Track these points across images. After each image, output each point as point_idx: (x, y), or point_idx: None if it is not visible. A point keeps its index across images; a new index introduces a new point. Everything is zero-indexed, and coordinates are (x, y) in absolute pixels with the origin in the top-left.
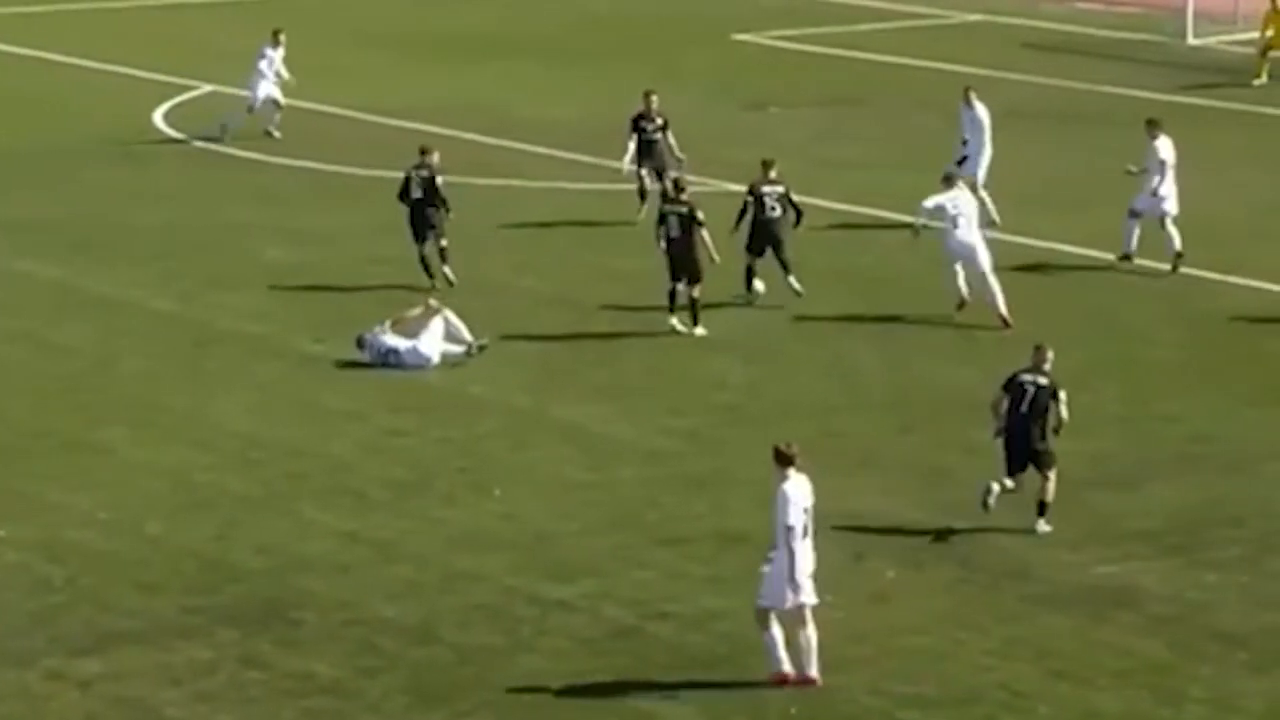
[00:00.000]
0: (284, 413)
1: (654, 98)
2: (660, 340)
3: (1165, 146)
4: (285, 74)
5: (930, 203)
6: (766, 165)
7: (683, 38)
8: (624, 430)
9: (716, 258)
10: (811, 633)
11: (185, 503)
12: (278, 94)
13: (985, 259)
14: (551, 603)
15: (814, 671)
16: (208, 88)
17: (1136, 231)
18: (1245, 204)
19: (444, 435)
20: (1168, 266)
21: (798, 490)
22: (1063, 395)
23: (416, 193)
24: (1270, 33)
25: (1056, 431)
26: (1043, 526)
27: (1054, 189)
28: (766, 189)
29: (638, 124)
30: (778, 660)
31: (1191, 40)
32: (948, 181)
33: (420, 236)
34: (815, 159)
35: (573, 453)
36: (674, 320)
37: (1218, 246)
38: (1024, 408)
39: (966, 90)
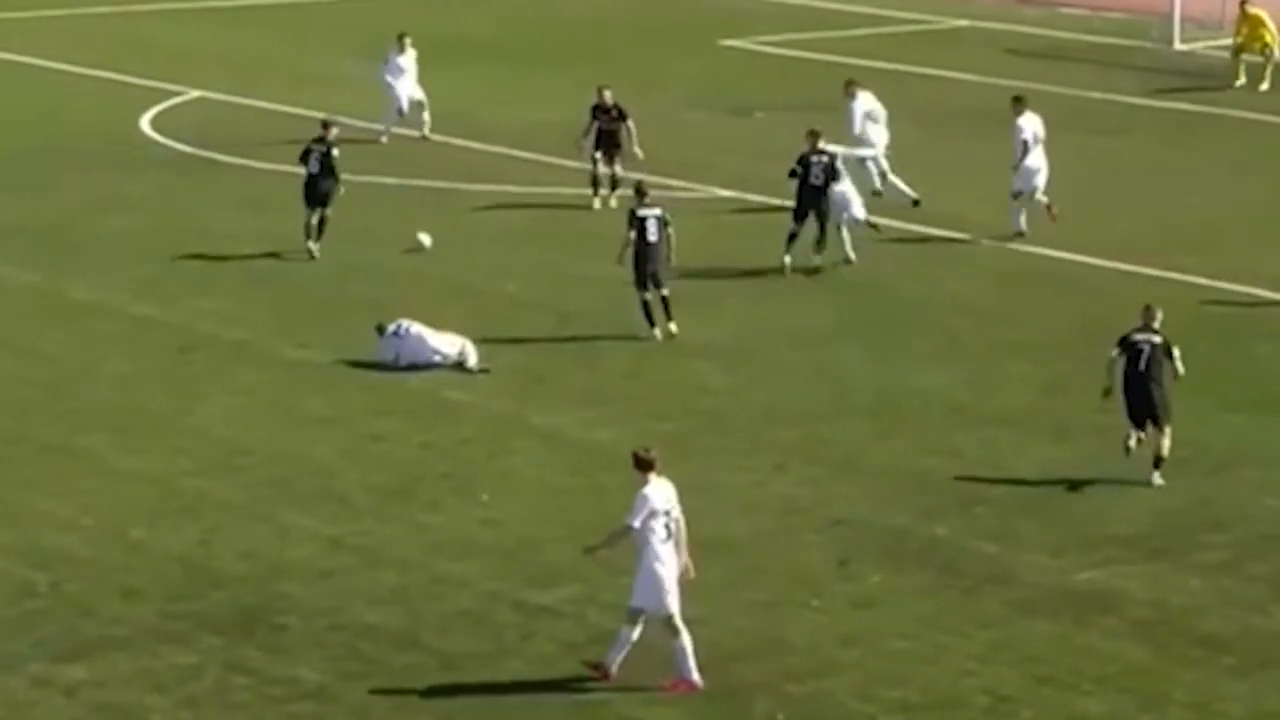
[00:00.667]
0: (266, 418)
1: (607, 92)
2: (641, 345)
3: (1031, 123)
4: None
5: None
6: (814, 135)
7: (669, 43)
8: (606, 435)
9: (674, 261)
10: (685, 641)
11: (168, 508)
12: (420, 94)
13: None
14: (535, 608)
15: (695, 676)
16: (194, 93)
17: (1023, 212)
18: (1231, 209)
19: (426, 441)
20: (1154, 270)
21: (656, 494)
22: (1176, 351)
23: (314, 167)
24: (1243, 35)
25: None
26: (1157, 479)
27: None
28: (814, 158)
29: (595, 114)
30: (611, 658)
31: (1178, 45)
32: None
33: (310, 204)
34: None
35: (555, 458)
36: (658, 332)
37: (1203, 251)
38: (1141, 366)
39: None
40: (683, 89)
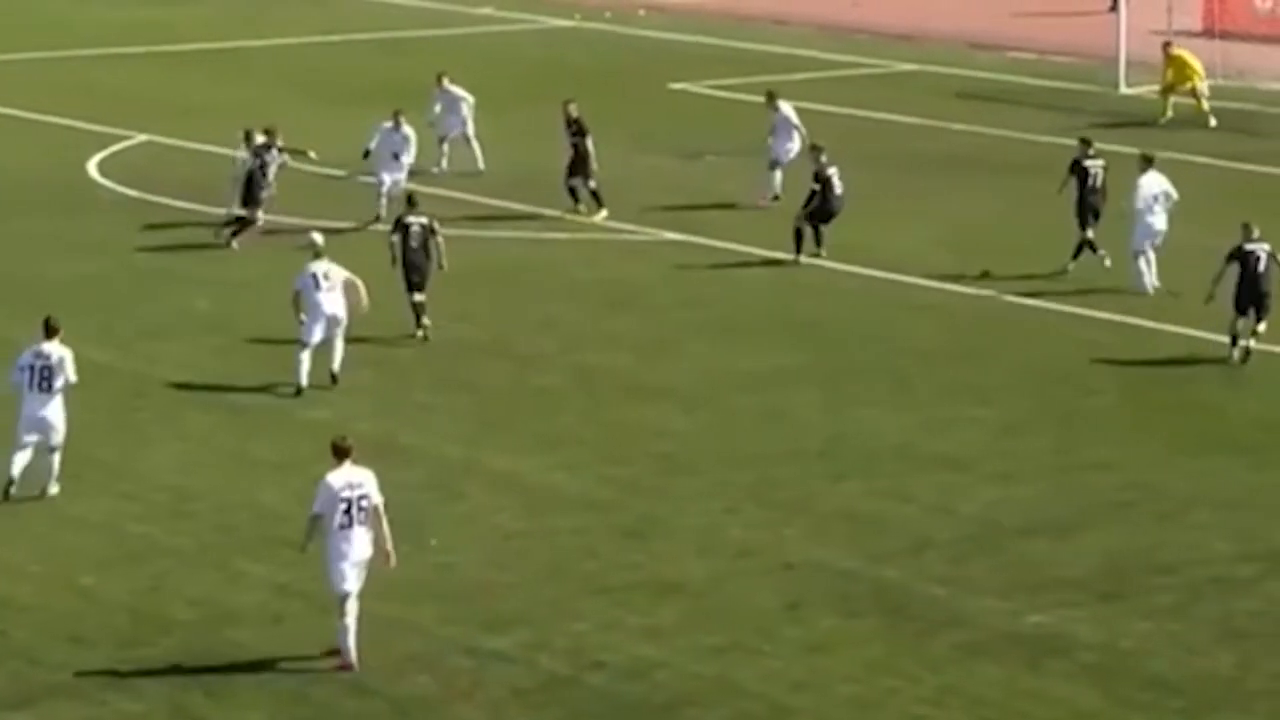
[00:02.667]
0: (216, 464)
1: (572, 105)
2: (597, 389)
3: (788, 113)
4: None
5: None
6: (817, 150)
7: (618, 86)
8: (561, 479)
9: (445, 265)
10: (350, 621)
11: (117, 555)
12: (470, 130)
13: None
14: (487, 653)
15: (352, 658)
16: (142, 137)
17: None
18: (1177, 254)
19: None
20: (1105, 313)
21: (337, 479)
22: (1277, 256)
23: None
24: (1169, 77)
25: None
26: (1252, 343)
27: (988, 238)
28: (832, 170)
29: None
30: (344, 647)
31: (1124, 89)
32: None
33: (245, 204)
34: (752, 208)
35: (508, 502)
36: (420, 332)
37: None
38: (1254, 267)
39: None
40: (632, 132)
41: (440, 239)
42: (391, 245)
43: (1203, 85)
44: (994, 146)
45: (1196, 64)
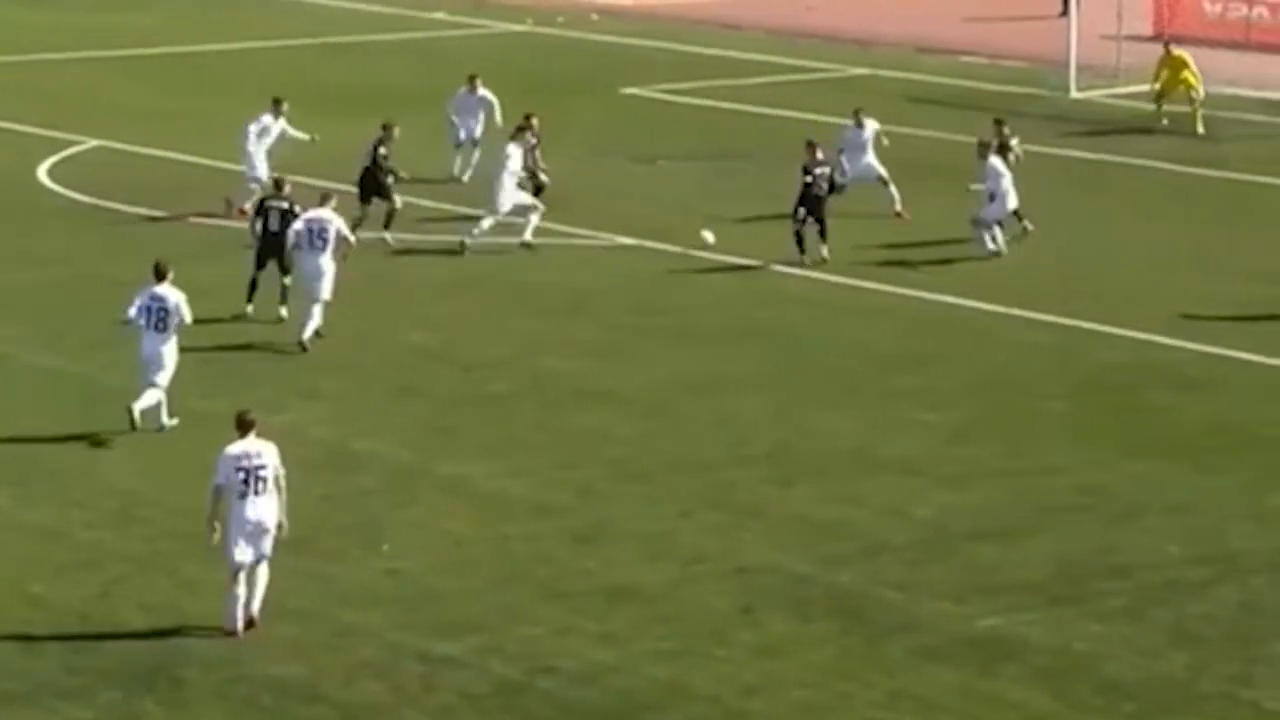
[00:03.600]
0: (168, 471)
1: (535, 119)
2: (549, 395)
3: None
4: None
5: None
6: (813, 146)
7: (571, 91)
8: (512, 485)
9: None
10: (240, 591)
11: (68, 562)
12: (477, 131)
13: None
14: (439, 659)
15: (238, 625)
16: (93, 142)
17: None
18: (1128, 256)
19: (329, 492)
20: (1055, 318)
21: (235, 449)
22: None
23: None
24: (1163, 79)
25: None
26: None
27: (939, 242)
28: (818, 170)
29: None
30: (230, 616)
31: (1074, 94)
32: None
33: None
34: (704, 212)
35: (460, 508)
36: (250, 308)
37: (1102, 299)
38: None
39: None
40: (585, 137)
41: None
42: (252, 227)
43: (1201, 89)
44: (945, 150)
45: (1194, 67)
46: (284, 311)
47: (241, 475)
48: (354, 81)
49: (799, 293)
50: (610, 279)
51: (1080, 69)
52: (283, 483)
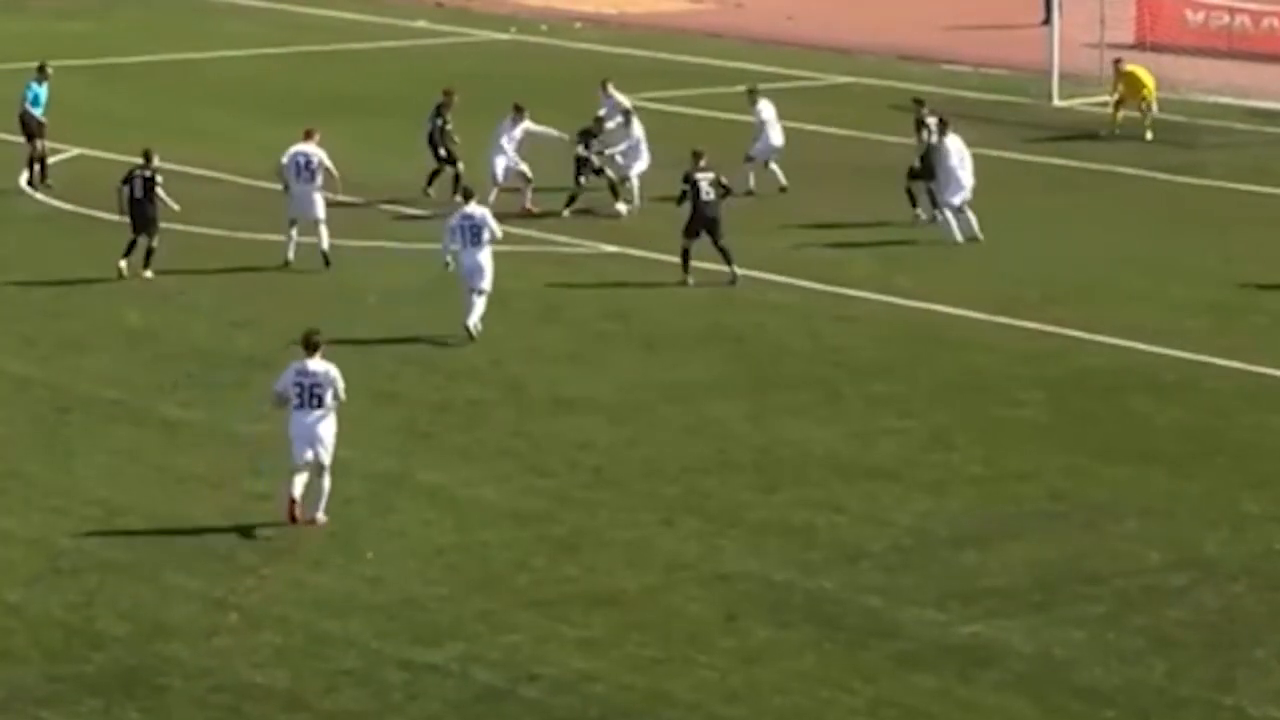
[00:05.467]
0: (147, 478)
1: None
2: (525, 402)
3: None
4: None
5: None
6: (698, 155)
7: (552, 98)
8: (490, 493)
9: (176, 206)
10: (296, 486)
11: (47, 570)
12: (525, 166)
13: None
14: (421, 666)
15: (319, 514)
16: (74, 151)
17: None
18: (1107, 262)
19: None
20: (1033, 324)
21: (297, 365)
22: None
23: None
24: (1120, 91)
25: None
26: None
27: (921, 248)
28: (698, 176)
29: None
30: (288, 503)
31: (1056, 102)
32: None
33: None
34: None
35: (439, 515)
36: (123, 264)
37: (1079, 304)
38: None
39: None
40: (566, 145)
41: (162, 193)
42: (119, 194)
43: (1153, 101)
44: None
45: (1149, 79)
46: (148, 274)
47: (298, 389)
48: (335, 89)
49: (775, 299)
50: (588, 285)
51: (1062, 77)
52: (342, 397)
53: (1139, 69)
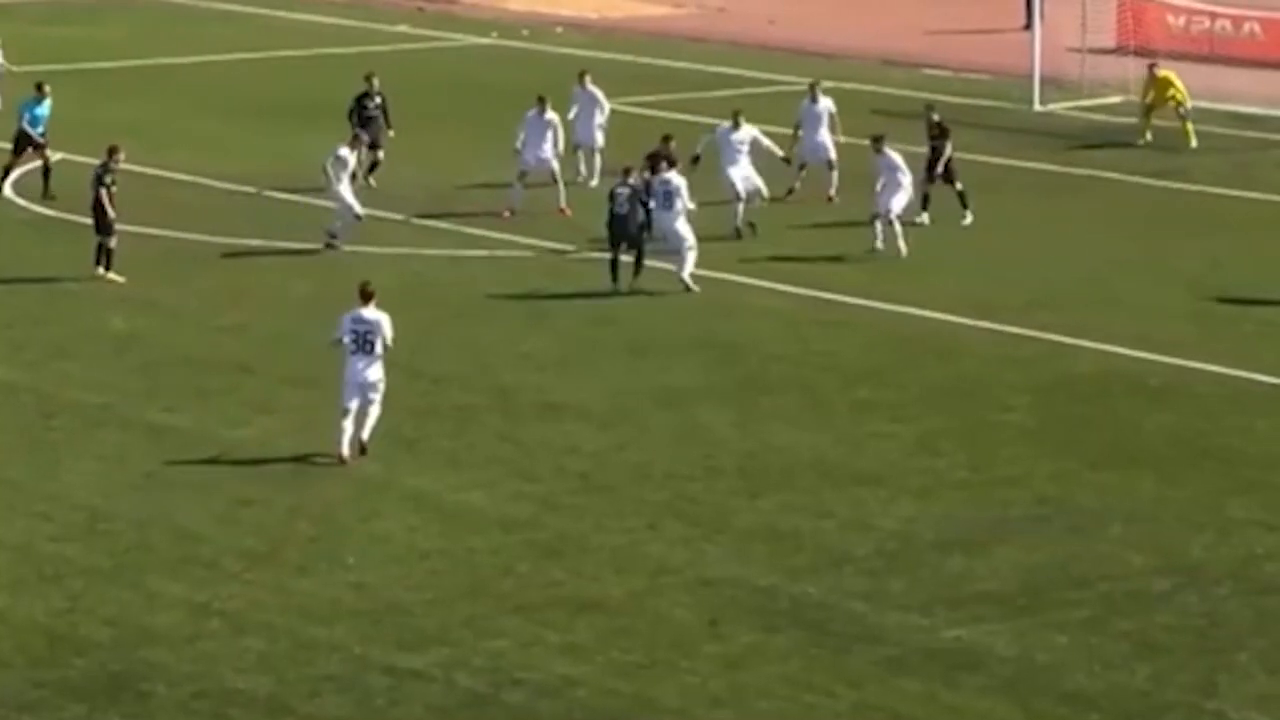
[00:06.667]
0: (131, 484)
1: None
2: (511, 407)
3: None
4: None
5: None
6: (627, 170)
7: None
8: (476, 498)
9: (112, 214)
10: (346, 425)
11: (30, 575)
12: (555, 164)
13: None
14: (404, 672)
15: (342, 450)
16: (57, 155)
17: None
18: (1090, 268)
19: (294, 505)
20: (1018, 329)
21: (351, 314)
22: None
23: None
24: (1151, 96)
25: None
26: None
27: (908, 254)
28: (618, 189)
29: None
30: (339, 444)
31: (1038, 107)
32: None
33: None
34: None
35: (424, 521)
36: (100, 269)
37: (1065, 310)
38: None
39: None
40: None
41: (114, 186)
42: (94, 191)
43: (1185, 101)
44: (909, 162)
45: (1178, 82)
46: (105, 273)
47: (353, 335)
48: (316, 95)
49: (761, 304)
50: (574, 291)
51: (1044, 82)
52: (390, 344)
53: (1170, 74)
